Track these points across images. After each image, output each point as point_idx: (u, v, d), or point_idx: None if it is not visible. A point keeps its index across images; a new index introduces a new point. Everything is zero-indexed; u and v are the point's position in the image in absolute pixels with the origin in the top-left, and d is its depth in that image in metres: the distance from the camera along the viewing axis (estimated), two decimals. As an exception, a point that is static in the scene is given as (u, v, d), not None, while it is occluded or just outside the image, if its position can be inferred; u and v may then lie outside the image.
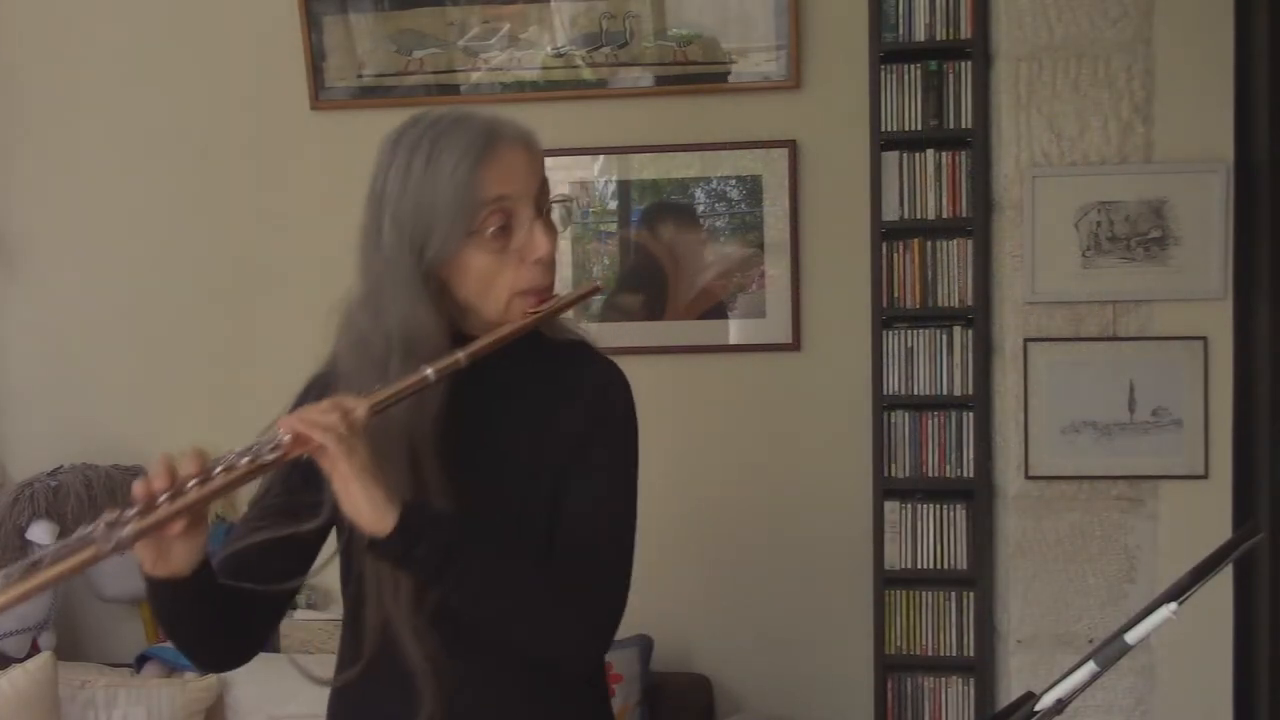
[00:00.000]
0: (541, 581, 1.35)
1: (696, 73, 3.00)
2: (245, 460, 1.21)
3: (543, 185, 1.40)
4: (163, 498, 1.19)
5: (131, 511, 1.18)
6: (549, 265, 1.37)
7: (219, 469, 1.21)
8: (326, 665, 1.53)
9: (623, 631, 2.96)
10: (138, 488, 1.19)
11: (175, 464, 1.22)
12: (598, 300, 3.06)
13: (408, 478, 1.32)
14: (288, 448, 1.22)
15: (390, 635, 1.37)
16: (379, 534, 1.24)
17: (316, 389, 1.43)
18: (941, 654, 2.77)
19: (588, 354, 1.47)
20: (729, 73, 2.99)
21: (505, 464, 1.40)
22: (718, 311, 3.03)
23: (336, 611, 3.04)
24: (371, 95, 3.09)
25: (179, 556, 1.24)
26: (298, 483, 1.36)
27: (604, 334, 1.55)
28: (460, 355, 1.29)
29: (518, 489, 1.40)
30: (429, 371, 1.27)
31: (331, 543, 1.43)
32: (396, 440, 1.32)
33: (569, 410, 1.41)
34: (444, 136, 1.33)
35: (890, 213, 2.74)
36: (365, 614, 1.39)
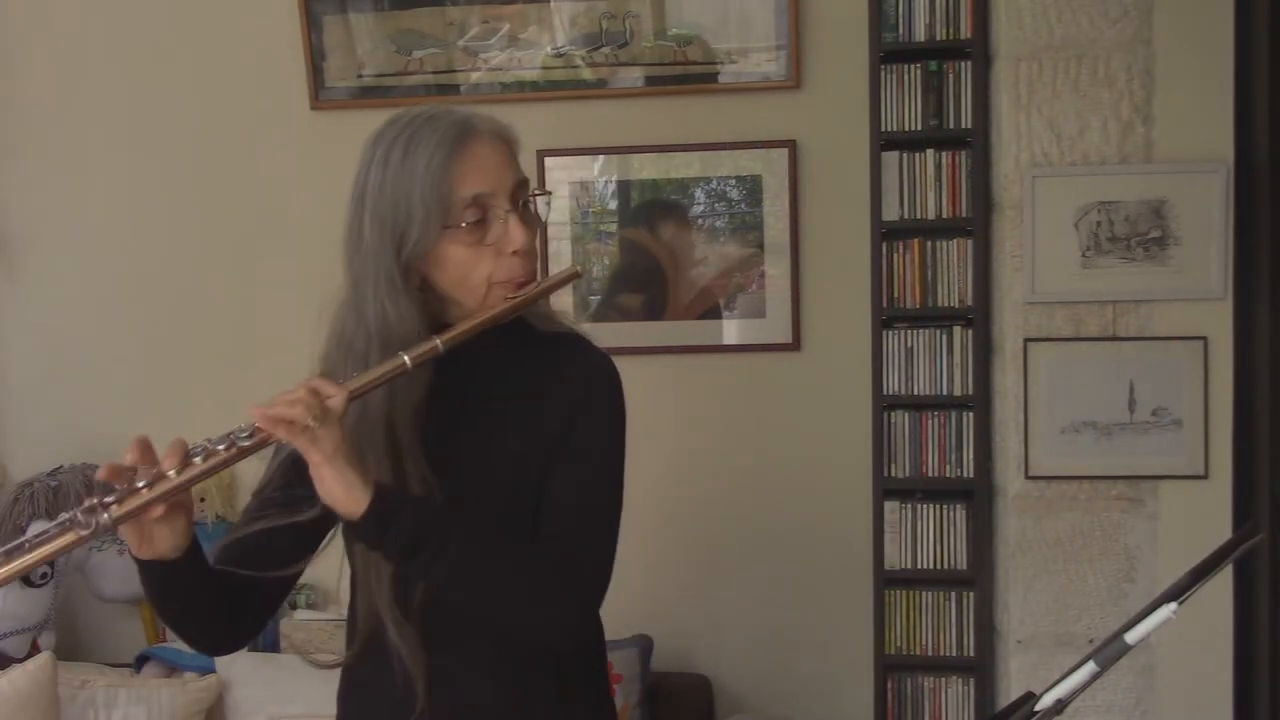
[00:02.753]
0: (517, 561, 1.37)
1: (696, 73, 3.00)
2: (222, 447, 1.24)
3: (521, 179, 1.42)
4: (142, 484, 1.21)
5: (111, 497, 1.21)
6: (527, 256, 1.40)
7: (197, 456, 1.24)
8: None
9: (623, 631, 2.97)
10: (105, 469, 1.22)
11: (150, 446, 1.25)
12: (597, 300, 3.06)
13: (388, 465, 1.35)
14: (261, 434, 1.24)
15: (379, 621, 1.41)
16: (353, 515, 1.27)
17: None
18: (941, 654, 2.76)
19: (577, 344, 1.49)
20: (729, 73, 2.99)
21: (490, 451, 1.42)
22: (717, 311, 3.03)
23: (336, 611, 3.05)
24: (371, 95, 3.09)
25: (163, 540, 1.27)
26: (295, 476, 1.38)
27: (603, 334, 1.56)
28: (437, 341, 1.32)
29: (502, 476, 1.42)
30: (405, 358, 1.30)
31: (327, 535, 1.46)
32: (376, 428, 1.35)
33: (554, 397, 1.43)
34: (419, 132, 1.37)
35: (890, 213, 2.74)
36: (358, 599, 1.44)
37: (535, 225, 1.42)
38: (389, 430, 1.36)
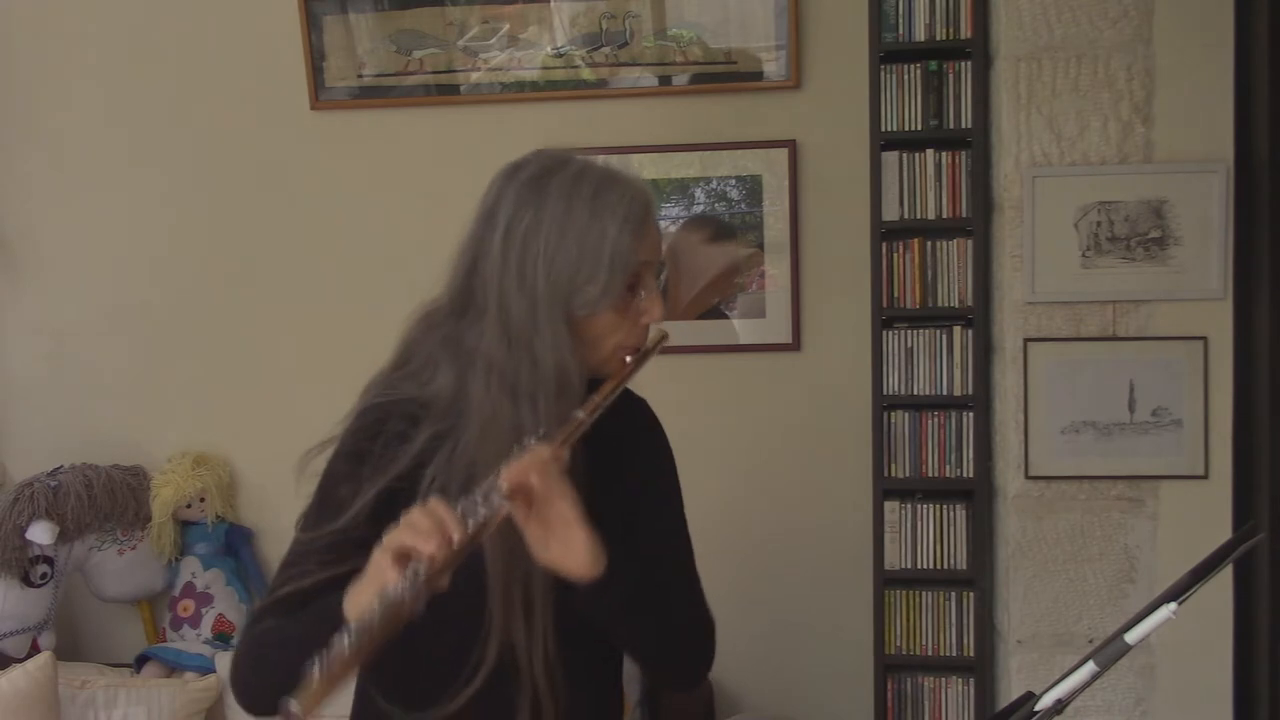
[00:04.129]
0: (674, 604, 1.44)
1: (696, 73, 3.00)
2: (481, 513, 1.22)
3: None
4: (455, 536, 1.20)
5: (422, 564, 1.17)
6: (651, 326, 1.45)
7: (470, 521, 1.22)
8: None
9: (623, 631, 2.92)
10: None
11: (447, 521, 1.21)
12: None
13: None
14: (510, 495, 1.23)
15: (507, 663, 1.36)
16: (590, 575, 1.28)
17: (396, 417, 1.39)
18: (941, 654, 2.77)
19: (626, 394, 1.52)
20: (729, 73, 2.99)
21: (615, 509, 1.42)
22: (718, 311, 3.03)
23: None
24: (371, 95, 3.09)
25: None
26: (386, 513, 1.29)
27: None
28: (596, 399, 1.36)
29: (617, 530, 1.38)
30: (580, 415, 1.33)
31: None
32: None
33: (633, 451, 1.51)
34: (604, 192, 1.36)
35: (890, 213, 2.74)
36: (451, 649, 1.37)
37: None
38: None
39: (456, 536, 1.18)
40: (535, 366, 1.35)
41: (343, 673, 1.11)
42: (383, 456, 1.35)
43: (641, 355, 1.44)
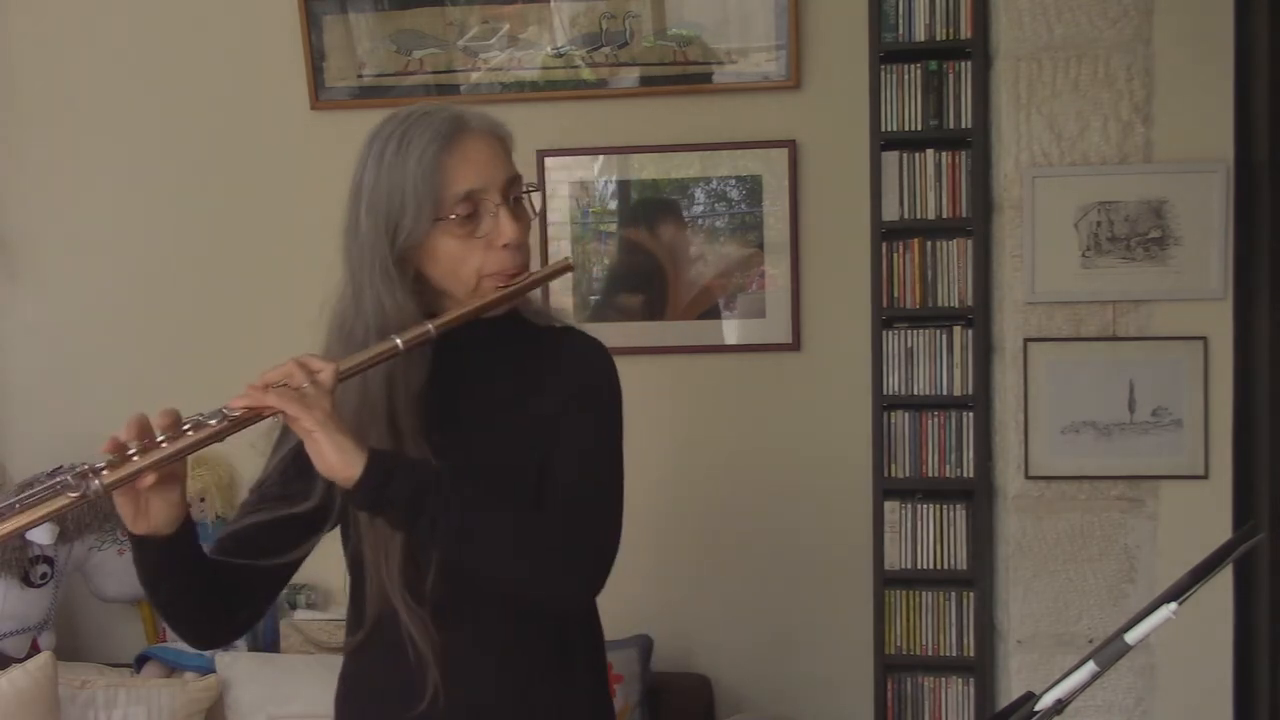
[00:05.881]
0: (525, 521, 1.39)
1: (696, 73, 3.00)
2: (213, 421, 1.26)
3: (513, 175, 1.45)
4: (134, 453, 1.23)
5: (102, 464, 1.22)
6: (518, 250, 1.43)
7: (188, 426, 1.26)
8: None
9: (623, 631, 2.97)
10: (106, 444, 1.24)
11: (147, 422, 1.26)
12: (596, 300, 3.06)
13: (388, 448, 1.36)
14: (253, 407, 1.27)
15: (388, 605, 1.42)
16: (350, 480, 1.28)
17: None
18: (941, 654, 2.76)
19: (569, 333, 1.53)
20: (729, 73, 2.99)
21: (489, 439, 1.45)
22: (717, 311, 3.03)
23: (336, 611, 3.05)
24: (371, 95, 3.09)
25: (157, 512, 1.29)
26: (293, 471, 1.41)
27: (603, 334, 1.57)
28: (429, 325, 1.36)
29: (501, 462, 1.43)
30: (397, 340, 1.33)
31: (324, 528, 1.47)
32: (378, 416, 1.38)
33: (550, 383, 1.47)
34: (413, 128, 1.40)
35: (890, 213, 2.74)
36: (364, 583, 1.45)
37: (527, 220, 1.46)
38: (390, 420, 1.39)
39: (161, 440, 1.24)
40: (358, 306, 1.40)
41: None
42: None
43: (523, 280, 1.43)
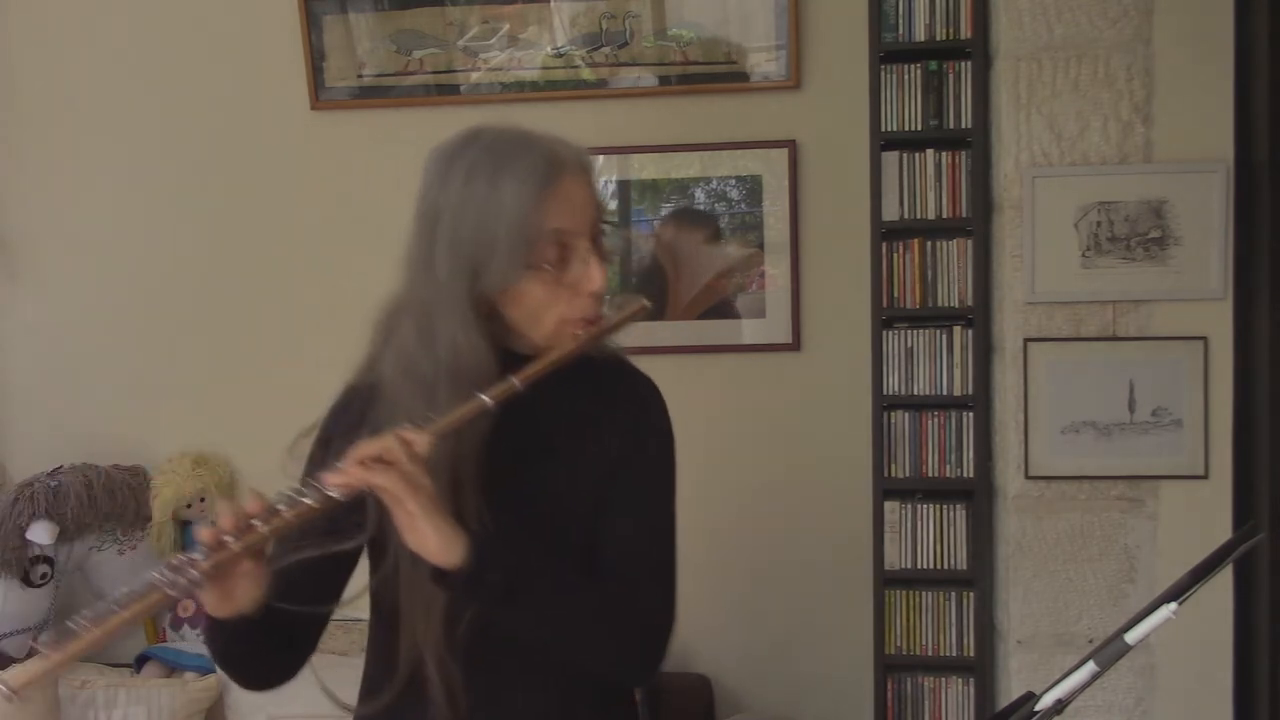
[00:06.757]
0: (600, 602, 1.36)
1: (696, 73, 3.00)
2: (307, 499, 1.21)
3: (600, 211, 1.38)
4: (230, 538, 1.19)
5: (198, 554, 1.18)
6: (600, 296, 1.36)
7: (282, 506, 1.21)
8: (340, 669, 1.53)
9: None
10: (205, 532, 1.20)
11: (243, 509, 1.21)
12: (598, 300, 3.06)
13: (449, 502, 1.29)
14: (351, 487, 1.21)
15: (419, 662, 1.36)
16: (449, 566, 1.23)
17: (358, 400, 1.41)
18: (941, 654, 2.76)
19: (624, 370, 1.48)
20: (729, 73, 2.99)
21: (546, 484, 1.40)
22: (718, 311, 3.03)
23: (335, 612, 3.04)
24: (371, 95, 3.09)
25: (243, 594, 1.24)
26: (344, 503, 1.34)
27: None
28: (515, 380, 1.28)
29: (558, 509, 1.39)
30: (487, 399, 1.26)
31: (362, 572, 1.42)
32: (441, 465, 1.29)
33: (609, 429, 1.42)
34: (506, 161, 1.30)
35: (890, 213, 2.74)
36: (399, 640, 1.37)
37: (610, 262, 1.41)
38: (452, 467, 1.31)
39: (258, 524, 1.19)
40: (433, 349, 1.31)
41: (81, 650, 1.17)
42: (343, 439, 1.32)
43: (602, 326, 1.37)
